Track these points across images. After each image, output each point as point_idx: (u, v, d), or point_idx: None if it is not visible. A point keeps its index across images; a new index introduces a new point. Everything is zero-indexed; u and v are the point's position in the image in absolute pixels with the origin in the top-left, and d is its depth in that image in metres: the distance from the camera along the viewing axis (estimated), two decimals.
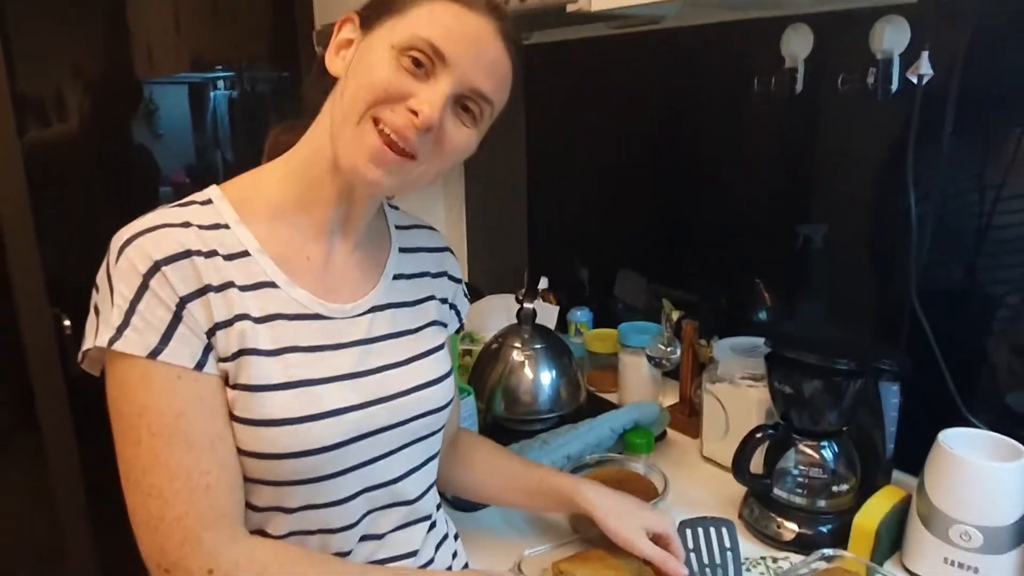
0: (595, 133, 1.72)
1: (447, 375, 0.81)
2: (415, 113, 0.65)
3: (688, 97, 1.49)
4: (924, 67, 0.93)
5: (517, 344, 1.32)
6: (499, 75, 0.69)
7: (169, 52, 1.92)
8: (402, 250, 0.84)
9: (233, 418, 0.67)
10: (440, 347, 0.82)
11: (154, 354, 0.63)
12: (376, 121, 0.66)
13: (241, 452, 0.67)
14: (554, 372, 1.33)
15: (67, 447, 1.67)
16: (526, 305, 1.33)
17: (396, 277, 0.81)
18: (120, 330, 0.62)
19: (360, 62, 0.68)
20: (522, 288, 1.36)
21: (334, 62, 0.71)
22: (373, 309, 0.77)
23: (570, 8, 0.98)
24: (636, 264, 1.69)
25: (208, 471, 0.65)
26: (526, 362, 1.31)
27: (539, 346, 1.32)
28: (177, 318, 0.63)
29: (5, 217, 1.53)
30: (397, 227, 0.85)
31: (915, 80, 0.94)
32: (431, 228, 0.90)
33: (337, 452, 0.70)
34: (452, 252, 0.91)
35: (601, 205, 1.75)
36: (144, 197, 1.91)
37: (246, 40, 2.03)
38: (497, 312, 1.62)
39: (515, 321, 1.36)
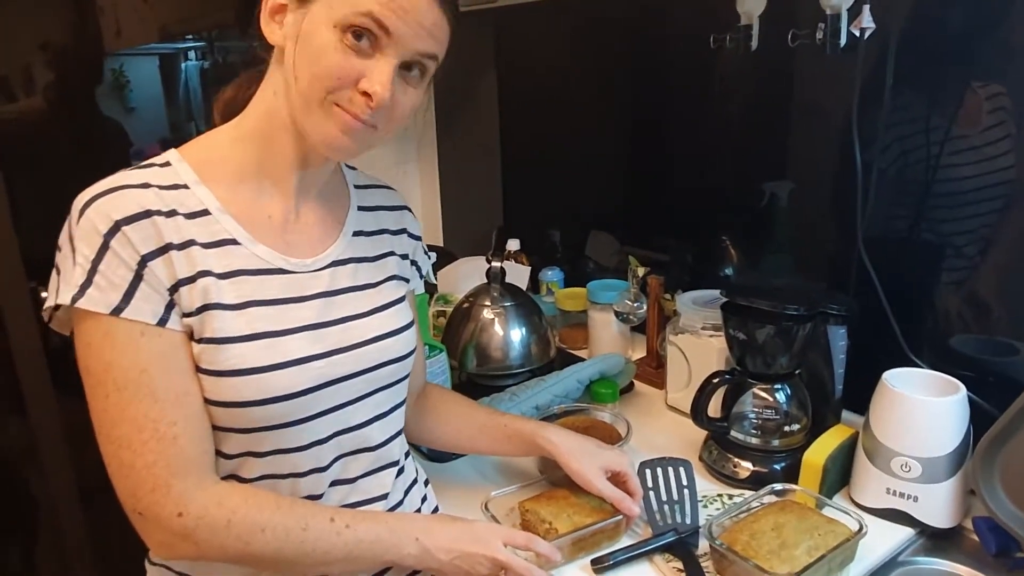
0: (564, 96, 1.74)
1: (408, 326, 0.85)
2: (369, 95, 0.68)
3: (652, 57, 1.51)
4: (866, 20, 0.96)
5: (487, 303, 1.36)
6: (439, 33, 0.71)
7: (137, 23, 1.90)
8: (361, 208, 0.86)
9: (200, 370, 0.69)
10: (400, 300, 0.85)
11: (117, 311, 0.65)
12: (336, 103, 0.69)
13: (210, 402, 0.70)
14: (524, 329, 1.37)
15: (50, 418, 1.70)
16: (494, 264, 1.36)
17: (356, 234, 0.84)
18: (83, 288, 0.64)
19: (305, 44, 0.68)
20: (491, 249, 1.39)
21: (271, 29, 0.72)
22: (334, 263, 0.80)
23: None
24: (607, 225, 1.73)
25: (174, 422, 0.68)
26: (496, 319, 1.35)
27: (509, 304, 1.36)
28: (138, 276, 0.66)
29: None
30: (356, 186, 0.88)
31: (858, 34, 0.97)
32: (389, 187, 0.93)
33: (303, 399, 0.73)
34: (411, 211, 0.93)
35: (572, 168, 1.77)
36: (118, 171, 1.92)
37: (215, 9, 2.01)
38: (471, 274, 1.65)
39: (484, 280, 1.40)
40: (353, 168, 0.90)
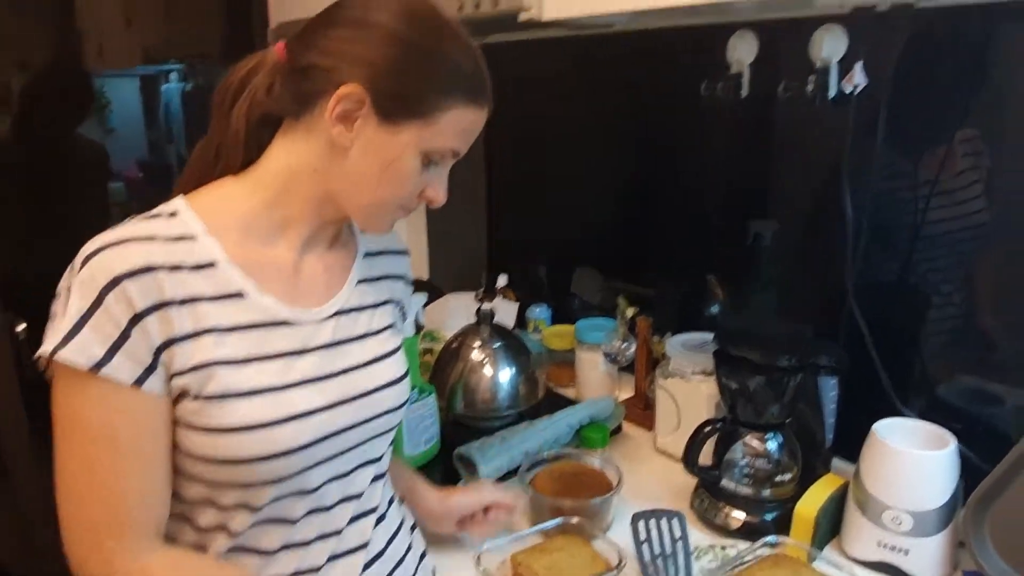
0: (553, 133, 1.75)
1: (404, 376, 0.84)
2: (431, 200, 0.78)
3: (642, 97, 1.53)
4: (858, 78, 0.98)
5: (476, 343, 1.34)
6: None
7: (120, 46, 1.89)
8: (367, 254, 0.87)
9: (197, 428, 0.68)
10: (398, 349, 0.85)
11: (96, 367, 0.64)
12: (401, 207, 0.77)
13: (207, 459, 0.69)
14: (513, 370, 1.35)
15: (23, 453, 1.65)
16: (485, 305, 1.36)
17: (360, 281, 0.84)
18: (66, 340, 0.64)
19: (387, 161, 0.73)
20: (482, 287, 1.38)
21: (339, 130, 0.71)
22: (338, 313, 0.79)
23: (522, 17, 1.00)
24: (593, 261, 1.73)
25: (128, 478, 0.68)
26: (485, 361, 1.34)
27: (498, 345, 1.35)
28: (125, 335, 0.65)
29: None
30: (363, 231, 0.88)
31: (849, 90, 0.99)
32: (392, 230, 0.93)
33: (304, 453, 0.72)
34: (408, 253, 0.94)
35: (559, 204, 1.78)
36: (97, 194, 1.88)
37: (199, 35, 2.00)
38: (457, 310, 1.64)
39: (475, 320, 1.39)
40: None
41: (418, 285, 0.97)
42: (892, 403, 1.10)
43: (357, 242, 0.86)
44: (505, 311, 1.64)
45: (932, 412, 1.09)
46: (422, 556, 0.93)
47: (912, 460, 0.94)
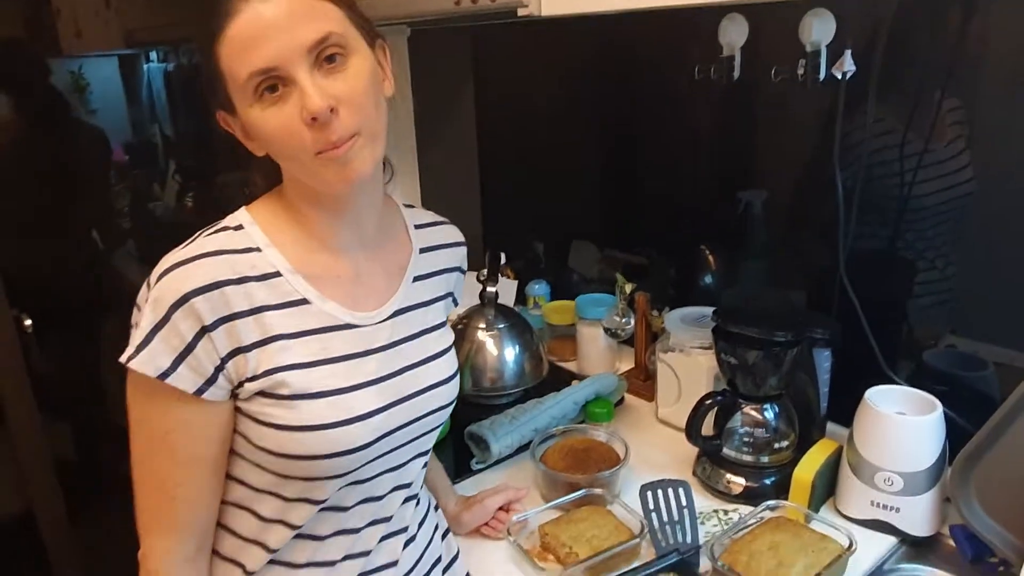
0: (545, 109, 1.77)
1: (456, 374, 0.88)
2: (314, 118, 0.66)
3: (634, 76, 1.55)
4: (847, 64, 1.01)
5: (482, 325, 1.39)
6: (312, 17, 0.68)
7: (99, 27, 1.86)
8: (422, 250, 0.89)
9: (269, 425, 0.73)
10: (450, 348, 0.89)
11: (163, 376, 0.69)
12: (317, 153, 0.69)
13: (275, 454, 0.74)
14: (517, 348, 1.41)
15: (36, 447, 1.69)
16: (488, 288, 1.40)
17: (416, 279, 0.87)
18: (138, 350, 0.69)
19: (257, 136, 0.72)
20: (483, 268, 1.42)
21: (254, 147, 0.75)
22: (395, 313, 0.83)
23: (521, 12, 1.02)
24: (589, 235, 1.77)
25: (179, 484, 0.74)
26: (491, 341, 1.39)
27: (502, 326, 1.40)
28: (190, 348, 0.69)
29: None
30: (416, 226, 0.90)
31: (839, 76, 1.02)
32: (449, 223, 0.95)
33: (363, 451, 0.77)
34: (465, 245, 0.96)
35: (553, 179, 1.81)
36: (89, 182, 1.87)
37: (181, 20, 1.98)
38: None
39: (477, 301, 1.43)
40: (411, 206, 0.92)
41: None
42: (882, 370, 1.15)
43: (412, 239, 0.89)
44: (505, 289, 1.68)
45: (920, 378, 1.16)
46: (445, 533, 1.00)
47: (902, 425, 1.00)
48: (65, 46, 1.79)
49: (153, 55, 2.04)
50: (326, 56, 0.68)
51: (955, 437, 1.00)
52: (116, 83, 1.97)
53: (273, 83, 0.67)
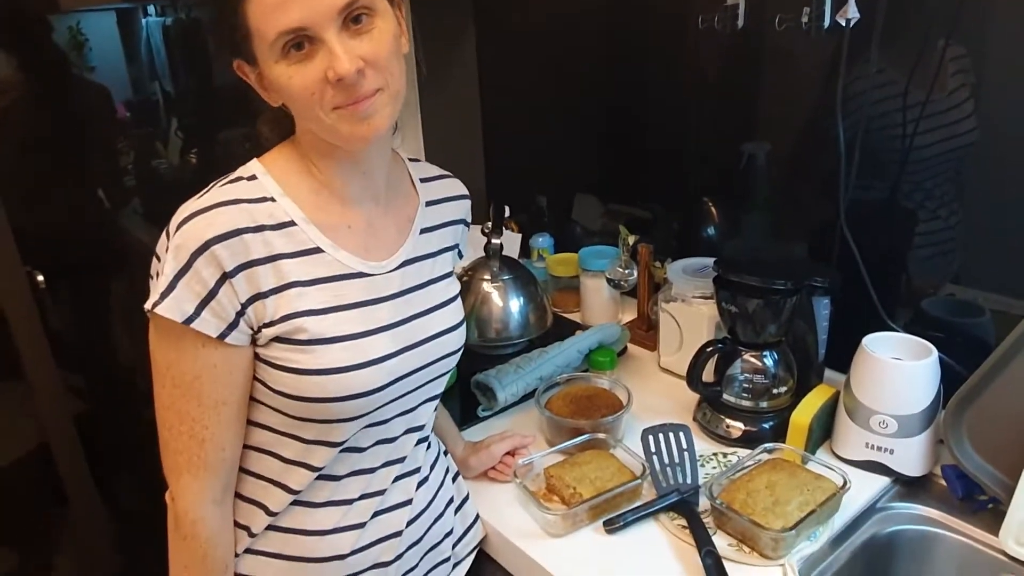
0: (547, 61, 1.75)
1: (462, 322, 0.92)
2: (340, 79, 0.69)
3: (638, 26, 1.54)
4: (852, 11, 1.01)
5: (486, 277, 1.41)
6: None
7: None
8: (428, 203, 0.91)
9: (286, 369, 0.76)
10: (456, 296, 0.92)
11: (188, 321, 0.72)
12: (334, 108, 0.71)
13: (293, 397, 0.77)
14: (522, 300, 1.43)
15: (54, 399, 1.73)
16: (493, 241, 1.41)
17: (423, 231, 0.89)
18: (163, 296, 0.71)
19: (277, 90, 0.73)
20: (488, 221, 1.43)
21: (270, 98, 0.77)
22: (405, 263, 0.86)
23: None
24: (592, 188, 1.78)
25: (207, 426, 0.77)
26: (496, 292, 1.41)
27: (507, 277, 1.42)
28: (213, 293, 0.72)
29: None
30: (422, 180, 0.92)
31: (843, 23, 1.02)
32: (451, 176, 0.97)
33: (378, 394, 0.80)
34: (469, 197, 0.99)
35: (556, 133, 1.80)
36: (95, 140, 1.88)
37: None
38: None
39: (482, 254, 1.45)
40: (416, 160, 0.94)
41: None
42: (880, 317, 1.18)
43: (419, 192, 0.91)
44: (510, 241, 1.70)
45: (917, 324, 1.18)
46: (456, 476, 1.04)
47: (897, 370, 1.03)
48: (62, 1, 1.77)
49: (151, 9, 2.02)
50: (353, 16, 0.70)
51: (950, 381, 1.03)
52: (115, 39, 1.95)
53: (300, 41, 0.69)
